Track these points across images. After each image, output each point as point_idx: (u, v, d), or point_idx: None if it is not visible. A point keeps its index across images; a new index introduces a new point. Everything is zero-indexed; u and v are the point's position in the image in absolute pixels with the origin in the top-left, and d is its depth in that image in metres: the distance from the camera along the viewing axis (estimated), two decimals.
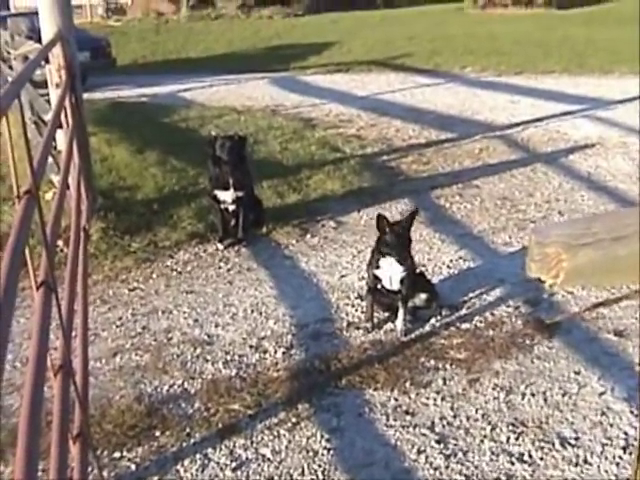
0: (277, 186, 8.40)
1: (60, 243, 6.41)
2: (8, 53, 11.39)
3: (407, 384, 4.63)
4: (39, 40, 7.56)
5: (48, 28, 7.00)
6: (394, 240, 5.18)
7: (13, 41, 10.65)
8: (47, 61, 6.95)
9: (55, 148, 7.15)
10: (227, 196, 6.98)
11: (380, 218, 5.26)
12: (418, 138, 10.94)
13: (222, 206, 7.03)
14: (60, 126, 6.77)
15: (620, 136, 10.52)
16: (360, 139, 10.84)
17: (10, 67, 11.29)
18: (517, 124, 11.55)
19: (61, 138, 6.84)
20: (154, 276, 6.43)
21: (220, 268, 6.54)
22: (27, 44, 9.27)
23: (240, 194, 6.99)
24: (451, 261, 6.47)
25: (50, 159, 6.71)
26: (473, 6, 33.79)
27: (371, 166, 9.43)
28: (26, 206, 2.62)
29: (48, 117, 6.77)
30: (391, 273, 5.28)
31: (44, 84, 7.29)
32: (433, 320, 5.39)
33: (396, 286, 5.29)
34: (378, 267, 5.31)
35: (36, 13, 7.20)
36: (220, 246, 6.94)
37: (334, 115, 12.66)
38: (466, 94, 14.35)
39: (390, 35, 23.69)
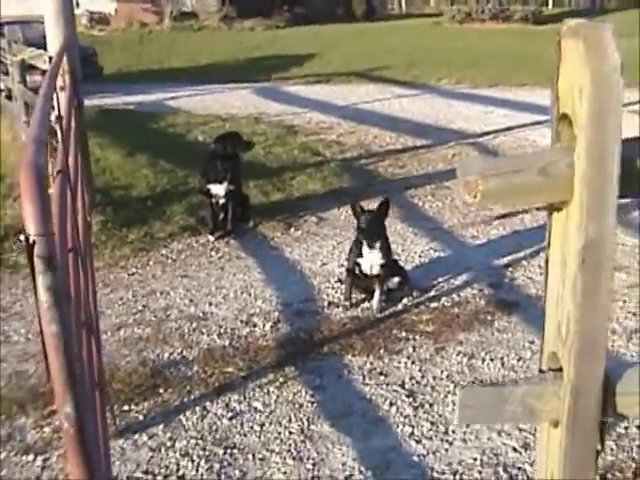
0: (262, 186, 8.98)
1: None
2: (5, 59, 11.92)
3: (381, 351, 5.23)
4: (44, 47, 8.04)
5: (54, 36, 7.53)
6: (368, 223, 5.82)
7: (10, 47, 11.18)
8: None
9: None
10: (220, 189, 7.52)
11: (354, 206, 5.95)
12: (395, 144, 11.56)
13: (213, 200, 7.58)
14: None
15: None
16: (340, 145, 11.44)
17: (6, 73, 11.82)
18: (489, 132, 12.17)
19: None
20: (151, 263, 6.99)
21: (211, 256, 7.12)
22: (27, 50, 9.79)
23: (232, 187, 7.56)
24: (422, 251, 7.07)
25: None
26: (451, 20, 34.54)
27: (350, 169, 10.03)
28: (61, 182, 3.13)
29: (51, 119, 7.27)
30: (372, 261, 5.88)
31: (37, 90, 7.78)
32: (405, 300, 6.00)
33: (376, 271, 5.89)
34: (361, 255, 5.92)
35: (28, 22, 7.65)
36: (211, 238, 7.51)
37: (315, 123, 13.25)
38: (442, 104, 15.00)
39: (369, 47, 24.28)
